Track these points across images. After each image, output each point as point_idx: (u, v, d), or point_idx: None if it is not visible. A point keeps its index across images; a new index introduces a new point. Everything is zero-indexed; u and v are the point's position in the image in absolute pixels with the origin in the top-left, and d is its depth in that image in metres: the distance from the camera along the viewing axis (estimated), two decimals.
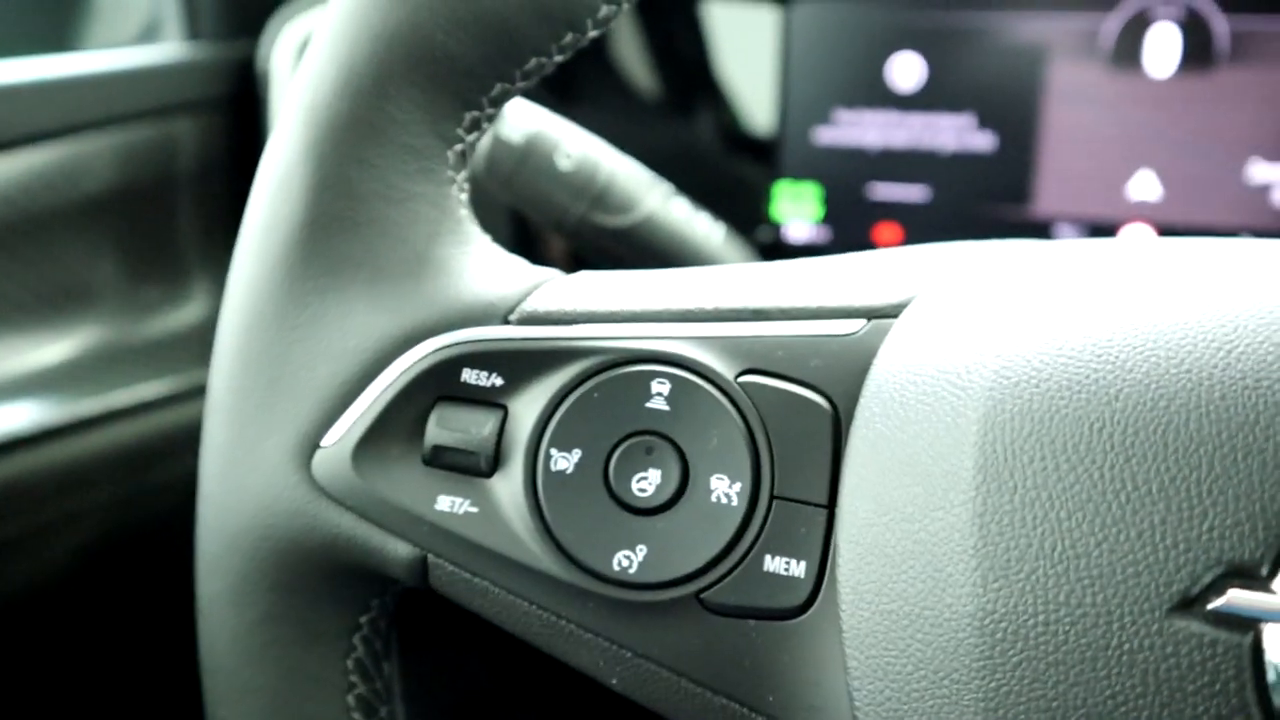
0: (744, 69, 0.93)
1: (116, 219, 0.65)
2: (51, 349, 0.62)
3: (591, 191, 0.46)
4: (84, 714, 0.65)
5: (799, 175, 0.71)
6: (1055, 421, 0.24)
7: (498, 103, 0.32)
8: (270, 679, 0.31)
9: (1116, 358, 0.24)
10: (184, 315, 0.68)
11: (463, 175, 0.32)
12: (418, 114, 0.30)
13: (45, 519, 0.59)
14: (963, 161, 0.67)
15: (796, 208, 0.71)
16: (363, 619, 0.31)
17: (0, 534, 0.57)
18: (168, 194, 0.68)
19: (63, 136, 0.63)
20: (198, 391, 0.66)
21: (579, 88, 0.87)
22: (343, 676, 0.31)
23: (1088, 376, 0.24)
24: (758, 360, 0.28)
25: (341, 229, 0.30)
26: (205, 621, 0.32)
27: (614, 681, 0.29)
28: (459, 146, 0.31)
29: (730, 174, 0.90)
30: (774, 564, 0.27)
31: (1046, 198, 0.66)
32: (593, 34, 0.31)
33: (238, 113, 0.71)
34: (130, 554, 0.63)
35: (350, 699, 0.31)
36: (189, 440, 0.64)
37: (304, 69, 0.31)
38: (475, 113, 0.31)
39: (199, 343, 0.67)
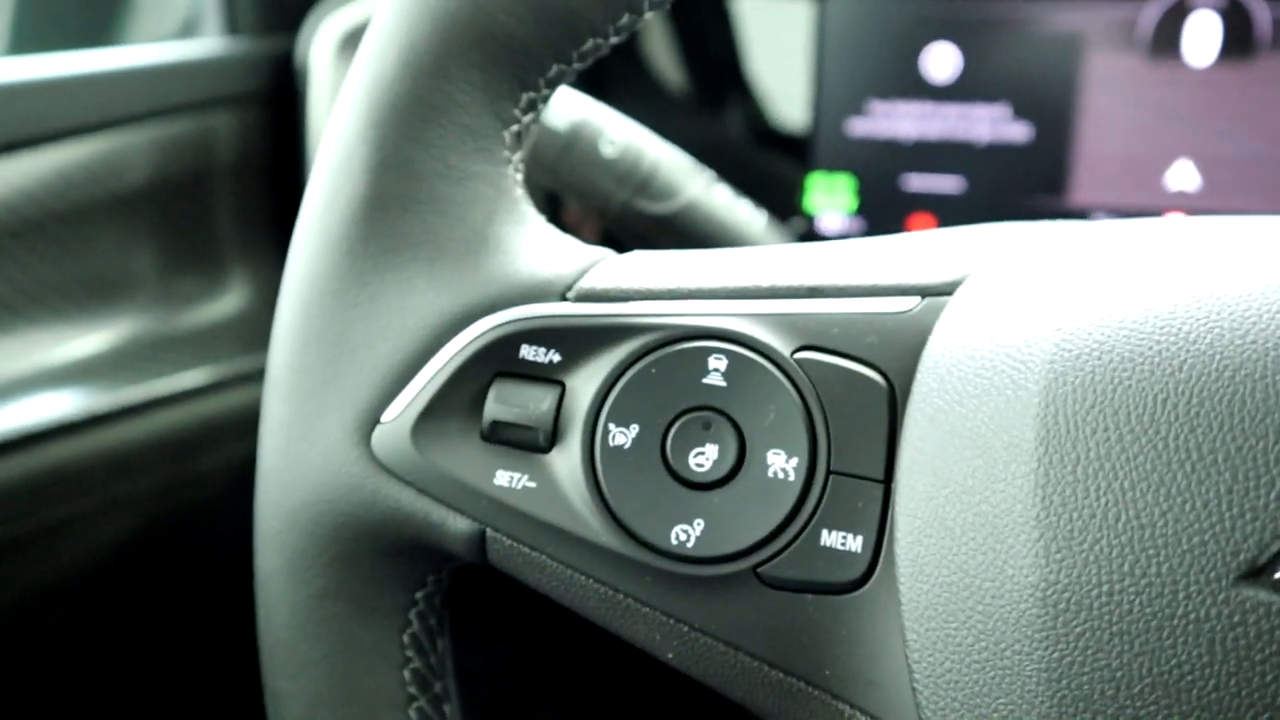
0: (776, 62, 0.93)
1: (156, 211, 0.66)
2: (93, 338, 0.63)
3: (635, 178, 0.46)
4: (129, 695, 0.65)
5: (832, 167, 0.71)
6: (1118, 393, 0.24)
7: (554, 84, 0.32)
8: (327, 653, 0.31)
9: (1180, 329, 0.24)
10: (222, 306, 0.68)
11: (518, 156, 0.32)
12: (476, 94, 0.31)
13: (91, 505, 0.59)
14: (998, 152, 0.67)
15: (830, 200, 0.71)
16: (419, 594, 0.32)
17: (49, 518, 0.58)
18: (206, 187, 0.69)
19: (104, 130, 0.64)
20: (237, 380, 0.66)
21: (610, 84, 0.87)
22: (399, 651, 0.32)
23: (1150, 348, 0.24)
24: (814, 337, 0.28)
25: (401, 208, 0.30)
26: (264, 596, 0.32)
27: (670, 656, 0.29)
28: (515, 127, 0.32)
29: (762, 168, 0.90)
30: (831, 538, 0.27)
31: (1083, 188, 0.66)
32: (649, 14, 0.32)
33: (276, 107, 0.72)
34: (174, 540, 0.64)
35: (406, 673, 0.32)
36: (230, 428, 0.65)
37: (364, 48, 0.31)
38: (532, 93, 0.32)
39: (238, 332, 0.68)
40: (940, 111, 0.68)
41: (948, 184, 0.69)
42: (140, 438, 0.61)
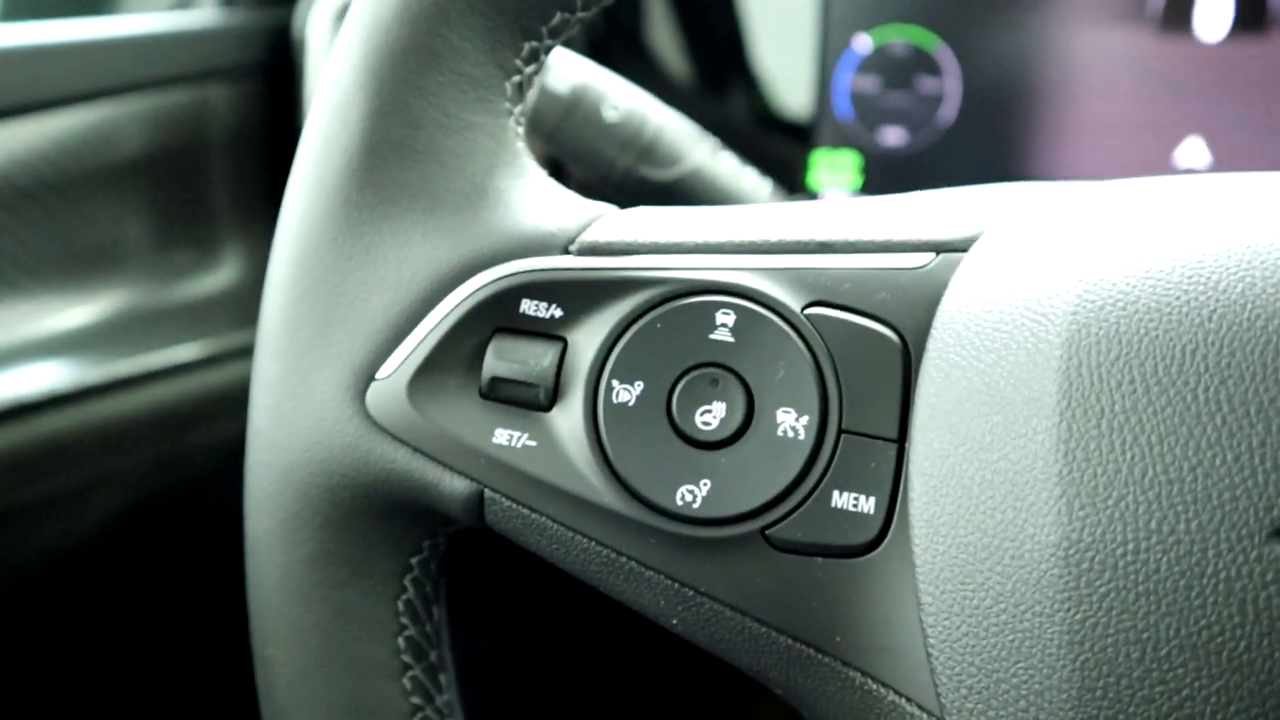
0: (780, 42, 0.92)
1: (150, 183, 0.65)
2: (84, 309, 0.62)
3: (639, 144, 0.45)
4: (120, 669, 0.64)
5: (837, 143, 0.70)
6: (1145, 344, 0.23)
7: (557, 33, 0.31)
8: (320, 619, 0.30)
9: (1209, 278, 0.23)
10: (217, 279, 0.67)
11: (519, 108, 0.31)
12: (477, 42, 0.30)
13: (81, 479, 0.59)
14: (1006, 128, 0.66)
15: (834, 177, 0.70)
16: (414, 560, 0.31)
17: (37, 492, 0.57)
18: (202, 159, 0.68)
19: (98, 99, 0.63)
20: (231, 355, 0.65)
21: (612, 68, 0.86)
22: (393, 618, 0.31)
23: (1179, 298, 0.23)
24: (824, 292, 0.27)
25: (399, 157, 0.29)
26: (253, 560, 0.31)
27: (674, 622, 0.28)
28: (517, 78, 0.31)
29: (766, 152, 0.89)
30: (842, 499, 0.26)
31: (1091, 165, 0.65)
32: None
33: (273, 80, 0.71)
34: (165, 516, 0.63)
35: (400, 641, 0.31)
36: (223, 404, 0.64)
37: None
38: (534, 43, 0.31)
39: (231, 307, 0.67)
40: (946, 86, 0.67)
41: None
42: (131, 412, 0.60)
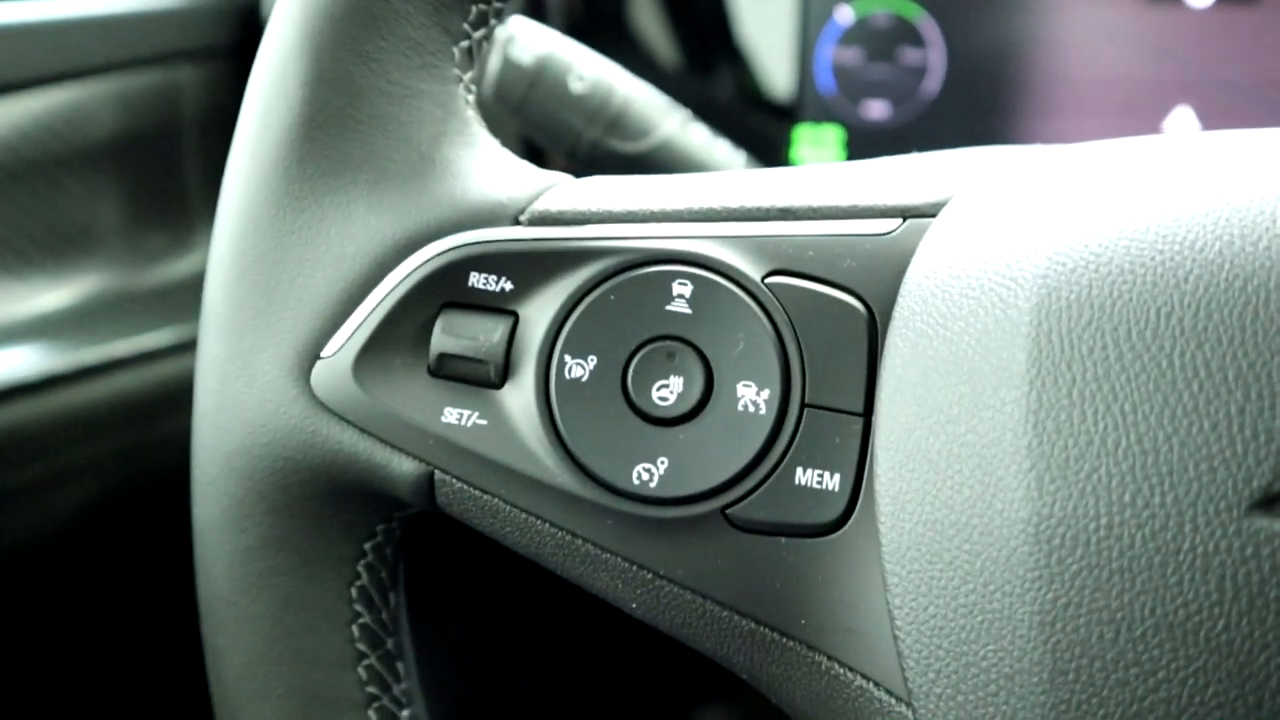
0: (763, 16, 0.91)
1: (120, 166, 0.64)
2: (54, 295, 0.60)
3: (606, 115, 0.44)
4: (88, 661, 0.63)
5: (820, 118, 0.69)
6: (1117, 308, 0.22)
7: None
8: (269, 608, 0.29)
9: (1185, 238, 0.22)
10: (188, 263, 0.66)
11: (469, 75, 0.30)
12: (420, 4, 0.28)
13: (51, 468, 0.57)
14: (991, 99, 0.65)
15: (817, 152, 0.69)
16: (367, 545, 0.30)
17: (5, 481, 0.55)
18: (172, 141, 0.66)
19: (65, 81, 0.62)
20: None
21: (595, 49, 0.85)
22: (346, 606, 0.30)
23: (1153, 259, 0.22)
24: (786, 260, 0.26)
25: (340, 127, 0.28)
26: (201, 547, 0.30)
27: (633, 605, 0.27)
28: (465, 43, 0.29)
29: (752, 131, 0.88)
30: (806, 477, 0.25)
31: (1079, 135, 0.63)
32: None
33: (242, 60, 0.69)
34: (134, 507, 0.62)
35: (354, 629, 0.30)
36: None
37: None
38: (482, 6, 0.29)
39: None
40: (930, 58, 0.66)
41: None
42: (101, 399, 0.59)
